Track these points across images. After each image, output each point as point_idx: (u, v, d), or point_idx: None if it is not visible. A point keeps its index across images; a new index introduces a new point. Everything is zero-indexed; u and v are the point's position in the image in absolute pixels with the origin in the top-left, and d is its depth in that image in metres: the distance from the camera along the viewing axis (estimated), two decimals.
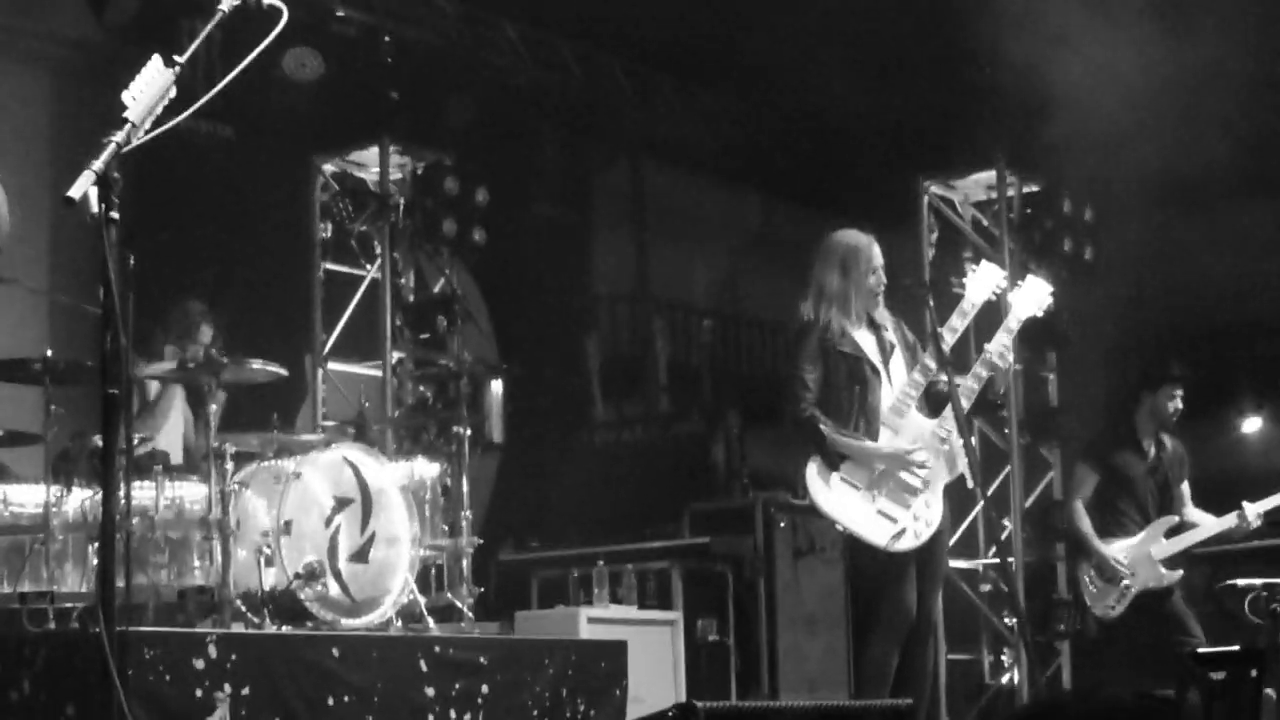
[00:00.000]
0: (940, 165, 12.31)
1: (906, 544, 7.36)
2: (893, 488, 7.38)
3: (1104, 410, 11.75)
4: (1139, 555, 9.58)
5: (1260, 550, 10.32)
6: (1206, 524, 9.74)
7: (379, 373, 11.15)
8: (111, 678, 3.82)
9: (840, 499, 7.37)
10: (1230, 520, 9.71)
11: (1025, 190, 12.23)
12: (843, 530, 7.41)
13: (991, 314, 8.28)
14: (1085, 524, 9.65)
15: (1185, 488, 9.91)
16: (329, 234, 11.34)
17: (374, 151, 11.37)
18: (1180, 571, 9.66)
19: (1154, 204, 17.90)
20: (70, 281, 10.91)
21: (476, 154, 12.22)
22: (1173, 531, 9.69)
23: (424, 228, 11.27)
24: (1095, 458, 9.83)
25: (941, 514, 7.49)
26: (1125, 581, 9.56)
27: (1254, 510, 9.69)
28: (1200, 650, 8.30)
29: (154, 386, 9.17)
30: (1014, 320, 7.81)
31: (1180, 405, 9.91)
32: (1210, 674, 6.91)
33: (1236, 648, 7.94)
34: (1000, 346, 7.60)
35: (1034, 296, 7.94)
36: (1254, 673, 7.16)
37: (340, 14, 12.42)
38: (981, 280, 7.77)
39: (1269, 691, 7.42)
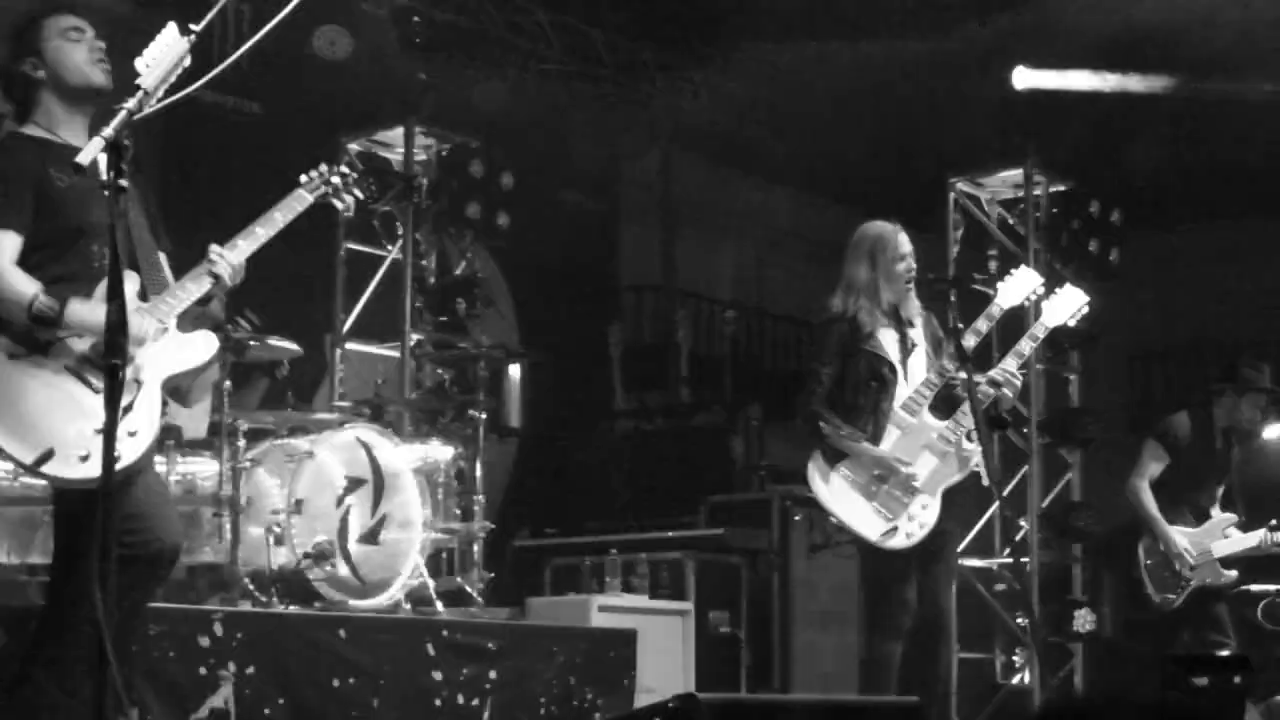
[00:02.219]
0: (968, 162, 12.23)
1: (897, 542, 7.32)
2: (891, 486, 7.35)
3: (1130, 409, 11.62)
4: (1201, 549, 9.38)
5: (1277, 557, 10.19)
6: (1249, 535, 9.52)
7: (397, 354, 11.11)
8: (105, 653, 3.79)
9: (838, 493, 7.36)
10: (1259, 535, 9.53)
11: (1053, 190, 12.14)
12: (837, 524, 7.40)
13: (1018, 320, 8.21)
14: (1153, 505, 9.37)
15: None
16: (352, 213, 11.28)
17: (400, 132, 11.32)
18: (1235, 573, 9.46)
19: (1184, 211, 17.92)
20: None
21: (503, 138, 12.18)
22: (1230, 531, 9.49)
23: (448, 210, 11.21)
24: (1170, 441, 9.57)
25: (938, 515, 7.42)
26: (1186, 573, 9.35)
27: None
28: (1181, 654, 8.21)
29: None
30: (1041, 328, 7.75)
31: (1260, 415, 9.70)
32: (1194, 679, 6.87)
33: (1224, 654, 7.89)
34: (1007, 369, 7.50)
35: (1068, 305, 7.87)
36: (1237, 679, 7.12)
37: None
38: (1016, 285, 7.69)
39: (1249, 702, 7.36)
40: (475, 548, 9.23)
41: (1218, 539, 9.40)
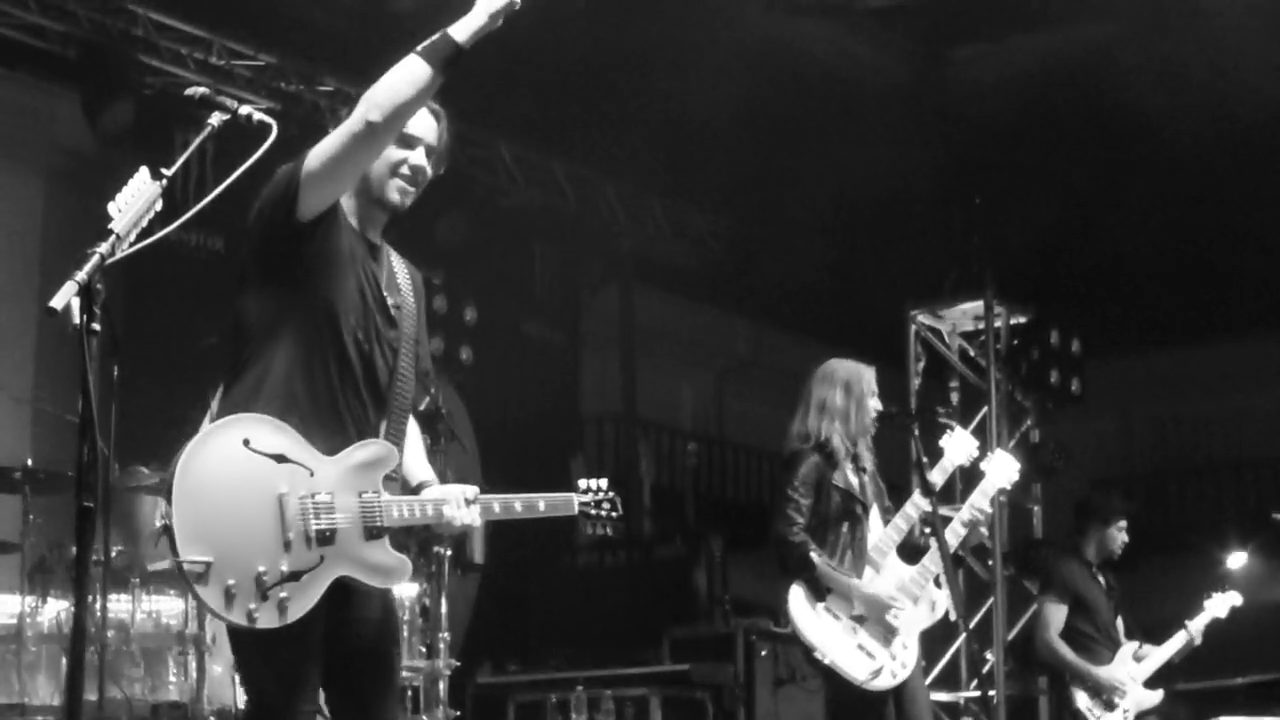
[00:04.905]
0: (929, 294, 12.28)
1: (883, 683, 7.27)
2: (874, 624, 7.28)
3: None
4: (1123, 677, 9.53)
5: (1241, 688, 10.24)
6: (1161, 648, 9.74)
7: None
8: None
9: (823, 628, 7.26)
10: (1181, 638, 9.72)
11: (1013, 321, 12.20)
12: (821, 660, 7.30)
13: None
14: (1071, 654, 9.58)
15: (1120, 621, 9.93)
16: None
17: None
18: (1161, 692, 9.62)
19: (1142, 338, 18.06)
20: (54, 390, 10.89)
21: (466, 272, 12.22)
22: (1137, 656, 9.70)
23: None
24: (1063, 590, 9.79)
25: (917, 655, 7.42)
26: (1124, 704, 9.49)
27: (1196, 626, 9.74)
28: None
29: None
30: (982, 495, 7.69)
31: (1126, 538, 9.91)
32: None
33: None
34: (974, 512, 7.52)
35: (1004, 471, 7.86)
36: None
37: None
38: (957, 446, 7.66)
39: None
40: (440, 685, 9.16)
41: (1133, 665, 9.57)
